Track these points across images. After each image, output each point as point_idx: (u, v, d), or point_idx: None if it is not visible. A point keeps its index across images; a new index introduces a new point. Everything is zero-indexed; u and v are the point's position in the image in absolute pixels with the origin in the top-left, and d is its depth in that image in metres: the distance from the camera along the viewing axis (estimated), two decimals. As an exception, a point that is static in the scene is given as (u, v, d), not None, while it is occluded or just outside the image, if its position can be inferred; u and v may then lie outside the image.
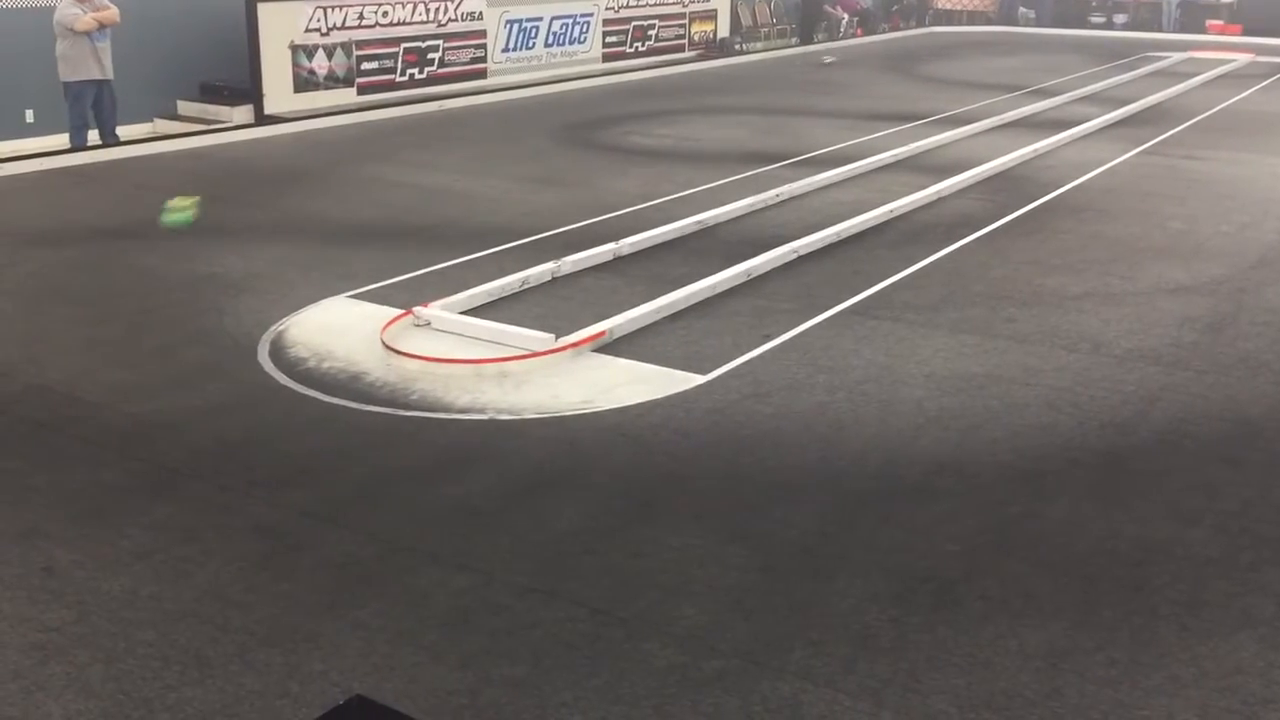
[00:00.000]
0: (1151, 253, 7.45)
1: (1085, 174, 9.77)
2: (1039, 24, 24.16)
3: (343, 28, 12.93)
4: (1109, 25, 23.62)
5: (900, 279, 6.82)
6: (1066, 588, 3.64)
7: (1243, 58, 18.74)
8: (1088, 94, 14.57)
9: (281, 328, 5.99)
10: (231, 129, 11.71)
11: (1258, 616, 3.49)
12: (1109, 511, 4.13)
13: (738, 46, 18.87)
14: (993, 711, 3.04)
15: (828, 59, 17.49)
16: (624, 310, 6.02)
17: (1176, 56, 18.97)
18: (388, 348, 5.57)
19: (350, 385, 5.24)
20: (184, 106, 12.43)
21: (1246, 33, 22.01)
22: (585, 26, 16.20)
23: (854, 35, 21.74)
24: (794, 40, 20.43)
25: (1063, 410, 5.00)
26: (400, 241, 7.69)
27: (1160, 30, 23.04)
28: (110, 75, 10.32)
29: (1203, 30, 22.62)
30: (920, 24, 24.25)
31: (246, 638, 3.34)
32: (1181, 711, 3.05)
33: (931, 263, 7.15)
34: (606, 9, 16.50)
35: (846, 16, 21.87)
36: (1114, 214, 8.46)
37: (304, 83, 12.60)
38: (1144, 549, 3.88)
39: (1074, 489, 4.32)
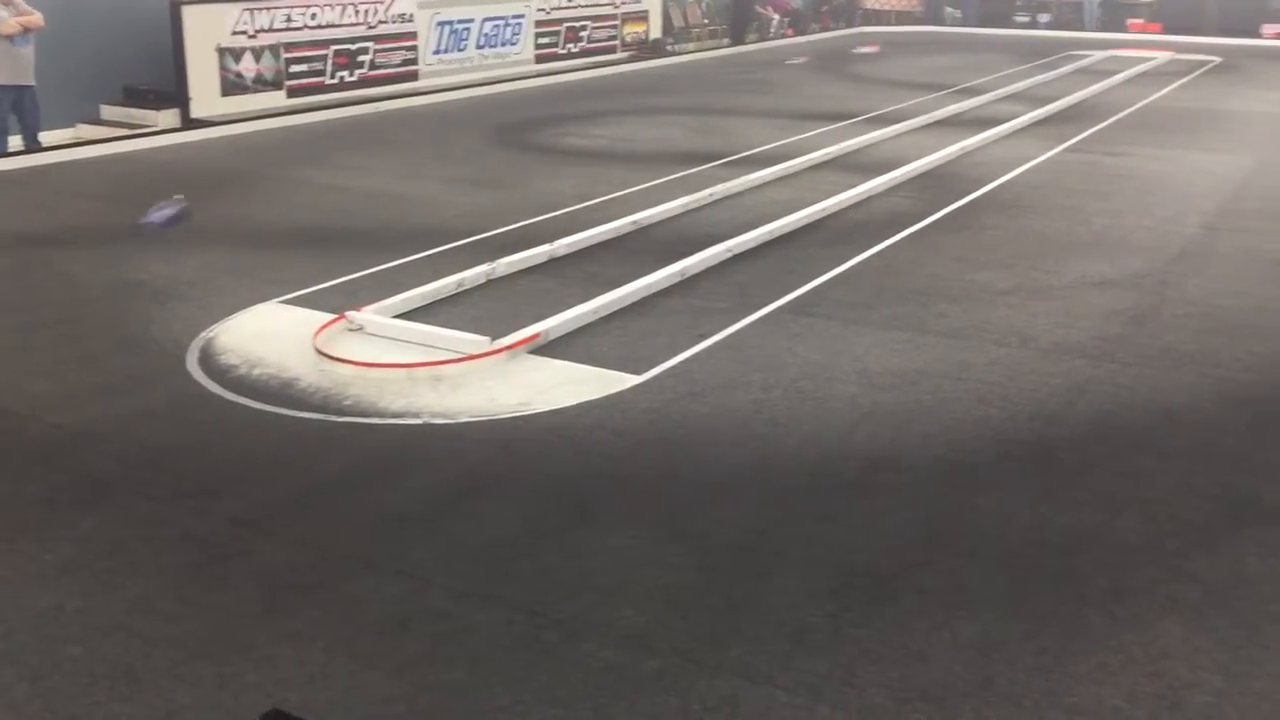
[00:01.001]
0: (1077, 247, 7.60)
1: (1011, 171, 9.93)
2: (965, 24, 24.53)
3: (270, 30, 12.76)
4: (1033, 25, 24.04)
5: (833, 276, 6.88)
6: (998, 579, 3.70)
7: (1163, 55, 19.17)
8: (1013, 92, 14.81)
9: (211, 334, 5.90)
10: (157, 133, 11.50)
11: (1183, 602, 3.57)
12: (1039, 502, 4.21)
13: (669, 47, 18.93)
14: (927, 702, 3.08)
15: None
16: (559, 311, 6.01)
17: (1099, 55, 19.35)
18: (320, 353, 5.51)
19: (282, 392, 5.17)
20: (108, 111, 12.18)
21: (1166, 31, 22.54)
22: (517, 28, 16.15)
23: (785, 35, 21.91)
24: (725, 41, 20.54)
25: (993, 404, 5.08)
26: (333, 245, 7.60)
27: (1083, 29, 23.49)
28: (32, 80, 10.12)
29: (1124, 29, 23.12)
30: (850, 24, 24.49)
31: (177, 651, 3.28)
32: (1110, 697, 3.11)
33: (864, 260, 7.23)
34: (538, 10, 16.46)
35: (777, 17, 22.04)
36: (1040, 210, 8.61)
37: (231, 86, 12.42)
38: (1073, 538, 3.95)
39: (1005, 481, 4.39)
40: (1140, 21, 23.34)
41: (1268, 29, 22.30)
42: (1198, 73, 17.31)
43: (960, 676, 3.19)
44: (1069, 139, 11.52)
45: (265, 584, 3.64)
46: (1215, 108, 13.89)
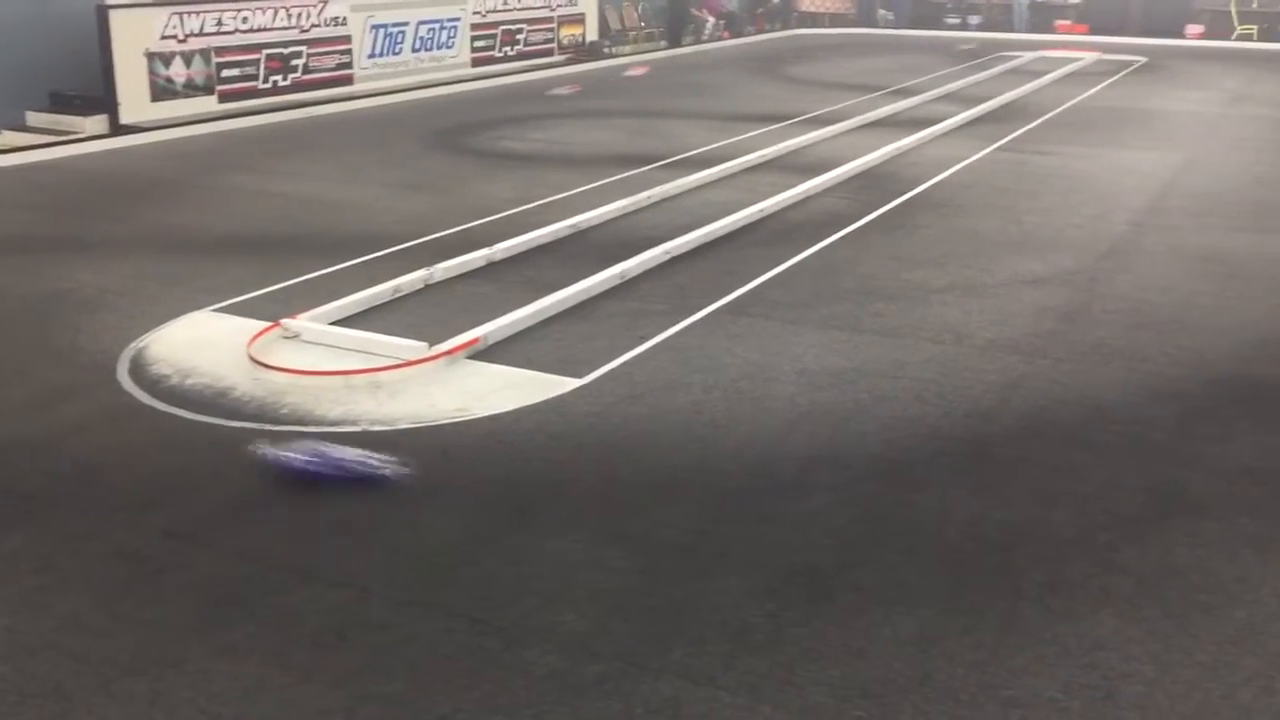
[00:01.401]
0: (1009, 246, 7.71)
1: (945, 171, 10.06)
2: (897, 26, 24.82)
3: (201, 34, 12.57)
4: (964, 26, 24.39)
5: (771, 277, 6.92)
6: (936, 574, 3.74)
7: (1089, 56, 19.54)
8: (945, 93, 15.01)
9: (142, 344, 5.79)
10: (85, 140, 11.28)
11: (1116, 594, 3.63)
12: (975, 498, 4.26)
13: (606, 50, 18.94)
14: (867, 699, 3.10)
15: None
16: (498, 316, 5.98)
17: (1028, 56, 19.67)
18: (255, 361, 5.44)
19: (216, 401, 5.09)
20: (33, 118, 11.90)
21: (1092, 32, 22.98)
22: (453, 31, 16.06)
23: (720, 38, 22.02)
24: (662, 43, 20.59)
25: (929, 401, 5.13)
26: (267, 252, 7.51)
27: (1012, 30, 23.87)
28: None
29: (1052, 30, 23.53)
30: (785, 26, 24.68)
31: (109, 668, 3.21)
32: (1046, 689, 3.15)
33: (801, 260, 7.28)
34: (474, 13, 16.38)
35: (713, 19, 22.14)
36: (973, 209, 8.73)
37: (161, 91, 12.21)
38: (1009, 533, 4.01)
39: (941, 477, 4.44)
40: (1067, 22, 23.78)
41: (1191, 29, 22.82)
42: (1124, 73, 17.66)
43: (900, 673, 3.22)
44: (1000, 139, 11.69)
45: (199, 598, 3.58)
46: (1141, 107, 14.18)
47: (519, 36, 17.32)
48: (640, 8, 20.65)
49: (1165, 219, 8.50)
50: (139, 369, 5.47)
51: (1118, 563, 3.82)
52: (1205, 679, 3.20)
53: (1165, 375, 5.49)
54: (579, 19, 18.61)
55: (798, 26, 24.83)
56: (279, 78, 13.52)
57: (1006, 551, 3.89)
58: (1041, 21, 23.98)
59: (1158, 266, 7.29)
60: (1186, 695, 3.14)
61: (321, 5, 13.91)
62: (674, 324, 6.06)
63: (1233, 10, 22.58)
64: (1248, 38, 22.35)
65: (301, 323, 5.85)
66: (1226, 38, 22.39)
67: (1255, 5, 22.72)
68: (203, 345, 5.77)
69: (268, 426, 4.83)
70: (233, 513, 4.13)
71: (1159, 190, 9.47)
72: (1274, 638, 3.39)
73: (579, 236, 7.88)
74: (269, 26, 13.33)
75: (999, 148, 11.26)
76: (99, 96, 11.74)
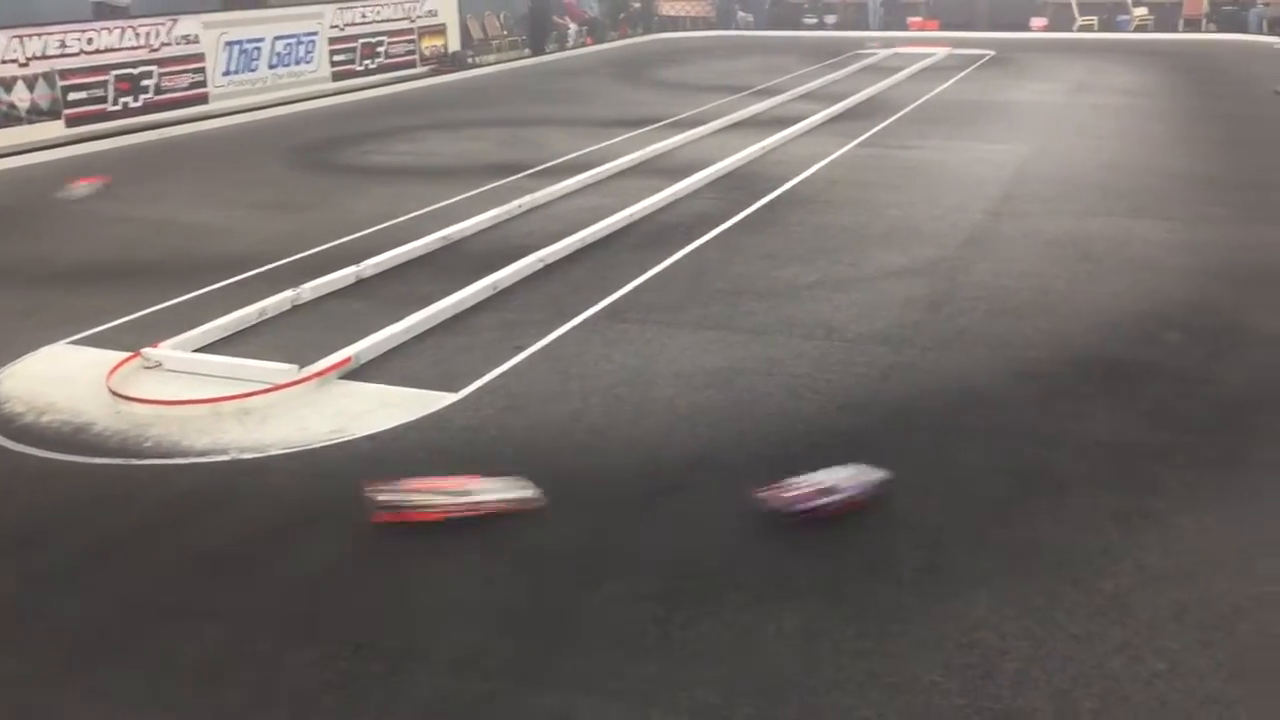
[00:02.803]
0: (874, 239, 7.89)
1: (810, 168, 10.25)
2: (757, 27, 25.23)
3: (43, 56, 12.09)
4: (821, 26, 24.93)
5: (645, 281, 6.95)
6: (818, 567, 3.80)
7: (942, 51, 20.14)
8: (807, 92, 15.29)
9: (-7, 382, 5.54)
10: (-78, 170, 10.77)
11: (989, 574, 3.74)
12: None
13: (470, 60, 18.82)
14: (756, 695, 3.13)
15: None
16: (370, 334, 5.88)
17: (884, 53, 20.18)
18: (115, 394, 5.24)
19: (75, 438, 4.89)
20: None
21: (943, 27, 23.70)
22: (310, 45, 15.76)
23: (584, 44, 22.07)
24: (526, 51, 20.54)
25: (804, 396, 5.22)
26: (124, 280, 7.24)
27: (867, 28, 24.47)
28: None
29: (904, 27, 24.20)
30: (647, 31, 24.86)
31: (-30, 725, 3.06)
32: (927, 673, 3.23)
33: (674, 263, 7.33)
34: (331, 27, 16.10)
35: (574, 26, 22.17)
36: (838, 205, 8.91)
37: (4, 117, 11.73)
38: (885, 521, 4.09)
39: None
40: (919, 19, 24.50)
41: (1035, 22, 23.72)
42: (974, 66, 18.25)
43: (786, 666, 3.26)
44: (861, 135, 11.96)
45: (67, 642, 3.43)
46: (992, 99, 14.66)
47: (379, 49, 17.09)
48: (502, 16, 20.57)
49: (1019, 206, 8.79)
50: (-9, 408, 5.23)
51: (990, 543, 3.93)
52: (1078, 651, 3.32)
53: (1025, 358, 5.68)
54: (440, 30, 18.45)
55: (659, 31, 25.04)
56: (129, 99, 13.09)
57: (885, 540, 3.97)
58: (894, 19, 24.64)
59: (1015, 253, 7.54)
60: (1061, 669, 3.24)
61: (171, 22, 13.50)
62: (549, 333, 6.04)
63: (1073, 3, 23.53)
64: (1088, 29, 23.33)
65: (164, 351, 5.66)
66: (1069, 29, 23.33)
67: (1094, -2, 23.75)
68: (59, 380, 5.55)
69: (132, 461, 4.66)
70: (97, 552, 3.97)
71: (1012, 179, 9.80)
72: (1140, 607, 3.54)
73: (451, 249, 7.80)
74: (116, 46, 12.89)
75: (860, 143, 11.52)
76: (-65, 124, 11.23)
